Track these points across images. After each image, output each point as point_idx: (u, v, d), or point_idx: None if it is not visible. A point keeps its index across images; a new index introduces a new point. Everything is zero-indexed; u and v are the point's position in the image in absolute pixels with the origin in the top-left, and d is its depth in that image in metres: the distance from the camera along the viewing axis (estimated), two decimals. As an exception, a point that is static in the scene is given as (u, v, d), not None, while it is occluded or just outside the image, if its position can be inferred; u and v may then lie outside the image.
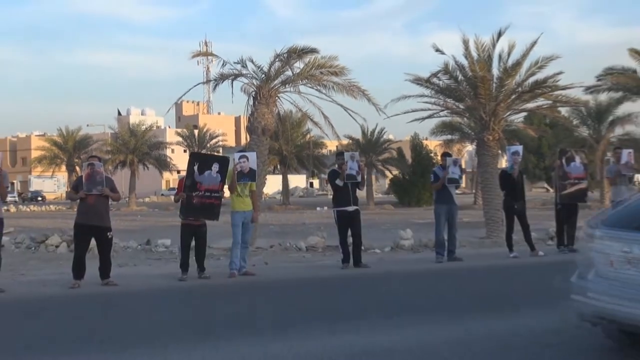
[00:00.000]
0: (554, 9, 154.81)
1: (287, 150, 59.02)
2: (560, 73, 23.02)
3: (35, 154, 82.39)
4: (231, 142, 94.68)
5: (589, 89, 28.83)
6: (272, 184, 62.99)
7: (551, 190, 18.12)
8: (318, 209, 50.43)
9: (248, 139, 21.64)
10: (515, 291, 11.05)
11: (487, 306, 9.50)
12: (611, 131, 44.39)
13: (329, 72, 20.60)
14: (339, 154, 14.60)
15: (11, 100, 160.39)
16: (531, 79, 22.87)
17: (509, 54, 22.66)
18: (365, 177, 15.17)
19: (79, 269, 11.46)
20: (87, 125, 76.95)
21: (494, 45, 22.64)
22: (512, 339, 7.11)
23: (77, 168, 61.13)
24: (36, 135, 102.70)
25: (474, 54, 22.67)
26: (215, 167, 12.39)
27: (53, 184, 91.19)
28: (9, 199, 55.78)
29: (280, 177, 64.85)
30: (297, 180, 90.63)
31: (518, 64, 22.69)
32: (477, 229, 22.47)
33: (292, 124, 53.62)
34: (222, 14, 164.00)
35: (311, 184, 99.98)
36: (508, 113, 24.18)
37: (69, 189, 12.90)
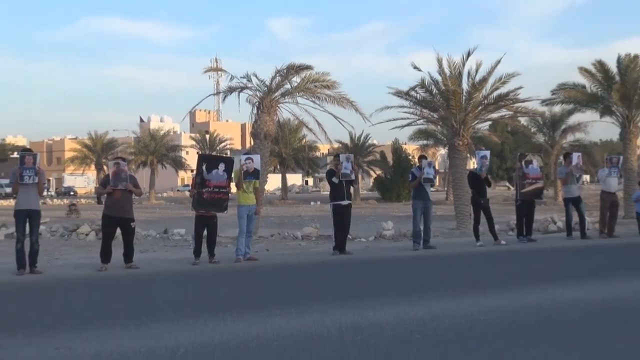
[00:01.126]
0: (515, 33, 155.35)
1: (285, 153, 59.04)
2: (520, 88, 23.19)
3: (68, 154, 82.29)
4: (237, 145, 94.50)
5: (545, 102, 28.91)
6: (273, 182, 63.01)
7: (512, 188, 18.16)
8: (312, 203, 50.42)
9: (252, 143, 21.68)
10: (481, 275, 11.10)
11: (456, 288, 9.53)
12: (563, 138, 44.59)
13: (322, 85, 20.67)
14: (336, 155, 14.70)
15: (48, 108, 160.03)
16: (495, 93, 22.99)
17: (476, 71, 22.75)
18: (360, 176, 15.21)
19: (106, 254, 11.48)
20: (113, 130, 77.10)
21: (463, 64, 22.71)
22: (478, 316, 7.13)
23: (105, 167, 61.01)
24: (69, 139, 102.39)
25: (447, 71, 22.74)
26: (222, 166, 12.42)
27: (83, 180, 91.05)
28: (45, 193, 55.72)
29: (279, 175, 64.92)
30: (294, 179, 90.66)
31: (484, 79, 22.76)
32: (448, 221, 22.52)
33: (290, 130, 53.67)
34: (230, 36, 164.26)
35: (306, 182, 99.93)
36: (475, 122, 24.29)
37: (97, 185, 12.86)
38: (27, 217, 10.99)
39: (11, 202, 12.12)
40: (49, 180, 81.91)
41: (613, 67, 27.50)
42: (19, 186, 10.98)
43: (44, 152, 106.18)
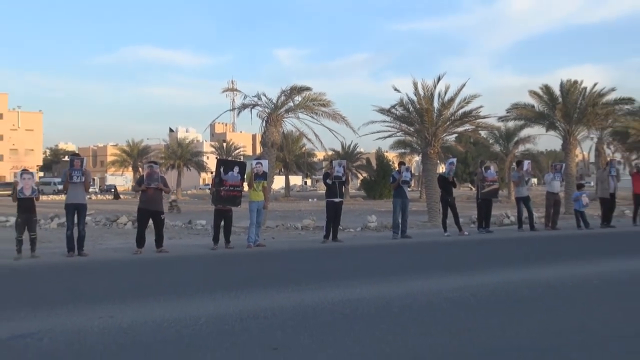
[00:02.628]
0: (477, 62, 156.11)
1: (288, 158, 59.13)
2: (480, 107, 23.22)
3: (110, 158, 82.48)
4: (249, 152, 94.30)
5: (501, 118, 28.95)
6: (277, 182, 62.84)
7: (474, 189, 18.27)
8: (310, 200, 50.37)
9: (261, 150, 21.68)
10: (448, 260, 11.11)
11: (427, 270, 9.55)
12: (516, 148, 44.67)
13: (319, 103, 20.74)
14: (330, 161, 14.72)
15: (94, 119, 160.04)
16: (461, 111, 23.00)
17: (445, 93, 22.75)
18: (349, 178, 15.24)
19: (140, 240, 11.49)
20: (147, 139, 77.08)
21: (435, 87, 22.72)
22: (445, 293, 7.15)
23: (140, 169, 61.02)
24: (111, 145, 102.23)
25: (421, 92, 22.75)
26: (236, 169, 12.46)
27: (122, 180, 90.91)
28: (90, 190, 55.68)
29: (283, 177, 64.89)
30: (295, 180, 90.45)
31: (452, 100, 22.77)
32: (421, 215, 22.52)
33: (292, 139, 53.79)
34: (244, 62, 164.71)
35: (305, 183, 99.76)
36: (444, 134, 24.28)
37: (134, 184, 12.80)
38: (75, 210, 11.02)
39: (62, 197, 12.13)
40: (94, 180, 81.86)
41: (557, 90, 27.60)
42: (69, 184, 11.04)
43: (90, 156, 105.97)
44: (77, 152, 75.51)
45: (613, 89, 27.07)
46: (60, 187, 48.24)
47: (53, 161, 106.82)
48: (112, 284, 8.47)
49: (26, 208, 10.72)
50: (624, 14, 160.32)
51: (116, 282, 8.59)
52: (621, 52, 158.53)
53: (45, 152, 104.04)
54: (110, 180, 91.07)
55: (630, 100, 27.98)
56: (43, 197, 40.82)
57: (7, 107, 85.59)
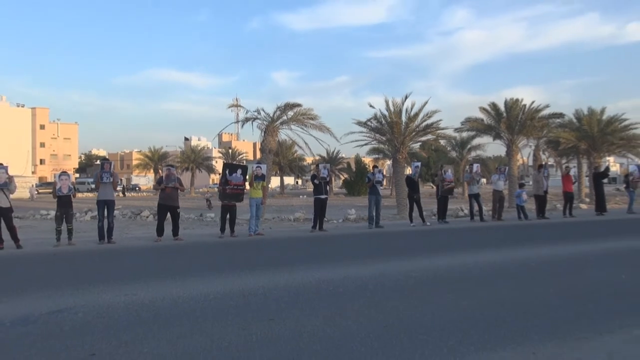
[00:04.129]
0: (438, 83, 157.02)
1: (283, 162, 59.05)
2: (440, 120, 23.44)
3: (135, 162, 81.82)
4: (250, 157, 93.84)
5: (457, 130, 29.17)
6: (274, 182, 62.93)
7: (434, 187, 18.47)
8: (301, 197, 50.27)
9: (261, 156, 21.64)
10: (413, 246, 11.15)
11: (397, 254, 9.57)
12: (469, 154, 44.89)
13: (308, 117, 20.75)
14: (317, 165, 14.71)
15: (121, 129, 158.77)
16: (424, 123, 23.11)
17: (411, 109, 22.86)
18: (332, 179, 15.22)
19: (160, 230, 11.39)
20: (166, 146, 76.20)
21: (403, 104, 22.83)
22: (411, 273, 7.16)
23: (160, 171, 60.60)
24: (136, 151, 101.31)
25: (391, 108, 22.85)
26: (239, 171, 12.41)
27: (145, 180, 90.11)
28: (118, 188, 55.33)
29: (278, 177, 64.85)
30: (289, 180, 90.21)
31: (416, 114, 22.88)
32: (392, 209, 22.57)
33: (286, 147, 53.63)
34: (247, 82, 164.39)
35: (297, 182, 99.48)
36: (411, 142, 24.38)
37: (154, 183, 12.68)
38: (105, 205, 10.91)
39: (95, 195, 12.02)
40: (121, 180, 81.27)
41: (502, 107, 27.77)
42: (99, 184, 10.95)
43: (118, 160, 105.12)
44: (106, 157, 74.69)
45: (547, 106, 27.36)
46: (93, 186, 47.66)
47: (87, 164, 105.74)
48: (136, 267, 8.39)
49: (64, 203, 10.62)
50: (555, 45, 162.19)
51: (139, 266, 8.51)
52: (553, 75, 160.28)
53: (80, 157, 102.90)
54: (135, 180, 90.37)
55: (560, 115, 28.30)
56: (79, 195, 40.35)
57: (48, 120, 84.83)
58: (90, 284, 6.49)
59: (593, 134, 30.50)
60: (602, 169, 21.12)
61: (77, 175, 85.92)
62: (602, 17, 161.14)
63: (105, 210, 10.92)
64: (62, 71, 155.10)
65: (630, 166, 21.56)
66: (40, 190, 53.41)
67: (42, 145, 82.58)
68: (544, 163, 24.91)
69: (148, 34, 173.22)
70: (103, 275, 7.39)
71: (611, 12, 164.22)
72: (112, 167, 11.25)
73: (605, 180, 19.87)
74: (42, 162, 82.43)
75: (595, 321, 4.82)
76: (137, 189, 79.02)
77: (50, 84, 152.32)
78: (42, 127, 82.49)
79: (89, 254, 9.78)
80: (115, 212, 15.45)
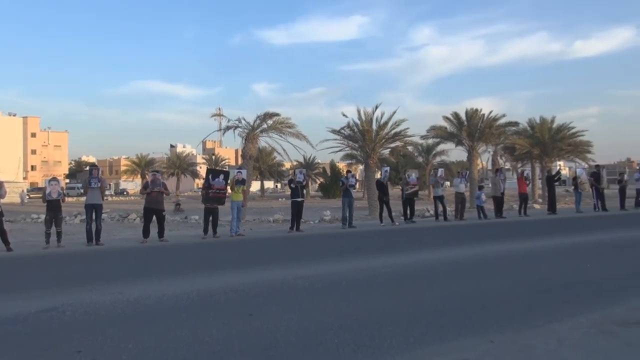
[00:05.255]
0: (405, 94, 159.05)
1: (263, 167, 58.68)
2: (407, 128, 23.72)
3: (123, 168, 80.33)
4: (232, 163, 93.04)
5: (423, 137, 29.52)
6: (254, 186, 62.33)
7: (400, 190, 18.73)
8: (279, 199, 50.08)
9: (242, 161, 21.52)
10: (383, 244, 11.20)
11: (368, 251, 9.61)
12: (434, 159, 45.47)
13: (286, 125, 20.78)
14: (294, 170, 14.68)
15: (110, 137, 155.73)
16: (393, 131, 23.34)
17: (381, 118, 23.07)
18: (309, 183, 15.19)
19: (146, 232, 11.21)
20: (153, 153, 75.20)
21: (373, 113, 23.02)
22: (381, 269, 7.18)
23: (146, 176, 59.66)
24: (124, 158, 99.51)
25: (363, 117, 23.00)
26: (221, 176, 12.31)
27: (133, 185, 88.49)
28: (106, 193, 54.35)
29: (259, 182, 64.52)
30: (268, 184, 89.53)
31: (386, 123, 23.09)
32: (364, 210, 22.66)
33: (265, 153, 53.32)
34: (229, 93, 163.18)
35: (276, 186, 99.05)
36: (381, 149, 24.56)
37: (141, 188, 12.66)
38: (93, 209, 10.68)
39: (83, 199, 11.80)
40: (110, 185, 79.80)
41: (463, 116, 28.22)
42: (88, 189, 10.74)
43: (107, 166, 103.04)
44: (95, 163, 73.16)
45: (504, 115, 27.94)
46: (81, 190, 46.75)
47: (77, 170, 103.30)
48: (122, 267, 8.22)
49: (53, 207, 10.36)
50: (511, 60, 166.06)
51: (126, 266, 8.34)
52: (510, 87, 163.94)
53: (70, 163, 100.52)
54: (123, 185, 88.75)
55: (516, 124, 28.97)
56: (68, 199, 39.34)
57: (39, 128, 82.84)
58: (77, 284, 6.33)
59: (544, 140, 31.22)
60: (554, 172, 21.59)
61: (67, 180, 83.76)
62: (550, 36, 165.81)
63: (93, 213, 10.68)
64: (54, 82, 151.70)
65: (577, 169, 22.13)
66: (31, 195, 51.98)
67: (34, 152, 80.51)
68: (500, 167, 25.37)
69: (137, 47, 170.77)
70: (90, 275, 7.23)
71: (559, 31, 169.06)
72: (99, 172, 11.03)
73: (557, 183, 20.29)
74: (33, 168, 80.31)
75: (546, 310, 4.91)
76: (125, 193, 77.62)
77: (43, 94, 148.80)
78: (34, 135, 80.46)
79: (78, 256, 9.54)
80: (104, 215, 15.14)
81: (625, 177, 20.49)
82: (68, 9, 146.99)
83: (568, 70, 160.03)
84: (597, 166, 20.09)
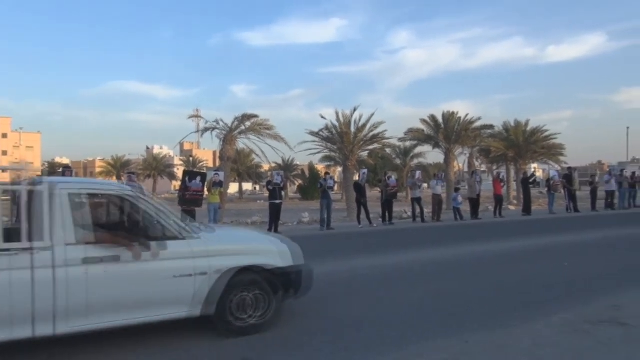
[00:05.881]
0: (383, 97, 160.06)
1: (241, 169, 58.29)
2: (385, 131, 23.79)
3: (98, 170, 78.86)
4: (211, 164, 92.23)
5: (400, 139, 29.56)
6: (233, 188, 61.92)
7: (379, 192, 18.76)
8: (258, 201, 49.72)
9: (220, 163, 21.33)
10: (362, 246, 11.20)
11: (346, 253, 9.60)
12: (411, 161, 45.79)
13: (264, 127, 20.64)
14: (272, 172, 14.62)
15: (84, 138, 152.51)
16: (371, 134, 23.40)
17: (359, 120, 23.08)
18: (287, 184, 15.11)
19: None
20: (129, 154, 73.82)
21: (351, 115, 23.02)
22: (361, 270, 7.19)
23: (122, 178, 58.65)
24: (99, 159, 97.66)
25: (341, 119, 23.00)
26: (199, 178, 12.18)
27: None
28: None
29: (237, 184, 64.12)
30: (247, 186, 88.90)
31: (364, 125, 23.14)
32: (342, 212, 22.67)
33: (244, 155, 52.97)
34: (207, 94, 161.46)
35: (255, 188, 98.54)
36: (359, 151, 24.58)
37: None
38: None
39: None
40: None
41: (440, 119, 28.47)
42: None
43: (81, 168, 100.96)
44: (69, 164, 71.66)
45: (479, 118, 28.25)
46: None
47: (50, 172, 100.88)
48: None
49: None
50: (486, 64, 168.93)
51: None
52: (485, 90, 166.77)
53: (43, 165, 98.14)
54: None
55: (491, 127, 29.37)
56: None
57: (10, 129, 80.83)
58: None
59: (519, 143, 31.80)
60: (529, 174, 21.98)
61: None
62: (525, 41, 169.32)
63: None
64: (28, 83, 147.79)
65: (551, 172, 22.60)
66: (2, 198, 50.50)
67: (5, 153, 78.44)
68: (476, 169, 25.73)
69: (114, 48, 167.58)
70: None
71: (533, 36, 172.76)
72: (73, 174, 10.78)
73: (532, 185, 20.67)
74: (3, 170, 78.21)
75: (521, 310, 4.98)
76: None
77: (15, 95, 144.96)
78: (5, 135, 78.54)
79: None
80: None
81: (597, 179, 21.03)
82: (41, 9, 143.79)
83: (542, 74, 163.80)
84: (569, 168, 20.53)
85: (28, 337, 3.42)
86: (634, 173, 21.21)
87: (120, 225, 4.12)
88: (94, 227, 3.77)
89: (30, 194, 3.58)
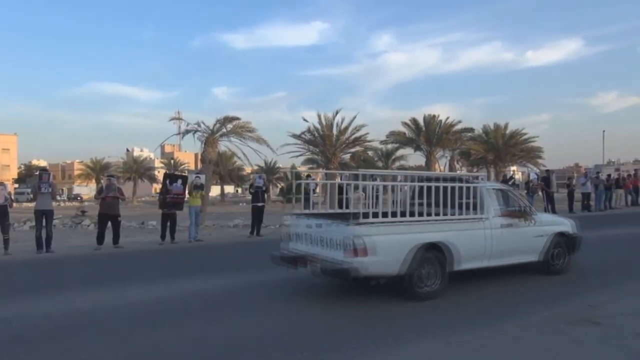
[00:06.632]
0: (366, 100, 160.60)
1: (223, 172, 57.83)
2: (367, 133, 24.00)
3: (76, 172, 77.50)
4: (192, 167, 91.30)
5: (382, 142, 29.89)
6: (214, 190, 61.43)
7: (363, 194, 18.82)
8: (240, 204, 49.40)
9: (201, 166, 21.18)
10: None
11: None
12: (393, 164, 46.08)
13: (246, 130, 20.56)
14: (254, 175, 14.56)
15: (63, 140, 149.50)
16: (353, 136, 23.59)
17: (341, 123, 23.26)
18: (269, 187, 15.08)
19: (100, 239, 10.81)
20: (108, 157, 72.61)
21: (334, 118, 23.19)
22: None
23: (102, 181, 57.78)
24: (77, 162, 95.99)
25: (324, 122, 23.15)
26: (179, 181, 12.06)
27: (87, 189, 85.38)
28: (58, 198, 52.32)
29: (219, 186, 63.71)
30: (229, 188, 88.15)
31: (346, 128, 23.31)
32: (325, 214, 22.73)
33: (225, 157, 52.60)
34: (188, 96, 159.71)
35: (237, 191, 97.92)
36: (341, 153, 24.74)
37: (96, 193, 12.05)
38: (43, 215, 10.21)
39: (33, 204, 11.21)
40: (62, 190, 76.84)
41: (421, 122, 28.80)
42: (37, 194, 10.26)
43: (59, 170, 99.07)
44: (47, 167, 70.29)
45: (460, 121, 28.71)
46: (32, 196, 44.37)
47: (27, 175, 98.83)
48: (74, 275, 7.89)
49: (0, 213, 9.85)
50: (467, 68, 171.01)
51: (78, 274, 8.01)
52: (466, 94, 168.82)
53: (20, 167, 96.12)
54: (77, 190, 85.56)
55: (471, 130, 29.86)
56: (16, 205, 37.59)
57: (-16, 130, 78.92)
58: (26, 294, 6.05)
59: (498, 146, 32.29)
60: (509, 176, 22.32)
61: (17, 185, 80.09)
62: (504, 45, 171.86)
63: (44, 219, 10.23)
64: (4, 83, 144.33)
65: (530, 174, 22.99)
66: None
67: (-20, 156, 76.58)
68: (458, 172, 25.99)
69: (93, 48, 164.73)
70: (40, 284, 6.91)
71: (512, 41, 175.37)
72: (50, 177, 10.57)
73: (511, 184, 20.99)
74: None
75: (500, 311, 5.07)
76: (78, 198, 74.88)
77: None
78: (-21, 137, 76.57)
79: (27, 264, 9.09)
80: (56, 221, 14.50)
81: (574, 181, 21.48)
82: (16, 6, 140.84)
83: (521, 78, 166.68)
84: (547, 171, 20.93)
85: (484, 267, 6.18)
86: (609, 175, 21.72)
87: (515, 205, 6.65)
88: (502, 207, 6.43)
89: (475, 189, 6.09)
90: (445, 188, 5.81)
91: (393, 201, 5.95)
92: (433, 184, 5.99)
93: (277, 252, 6.31)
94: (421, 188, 6.40)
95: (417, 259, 5.38)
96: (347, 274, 5.12)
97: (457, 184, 6.04)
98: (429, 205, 6.05)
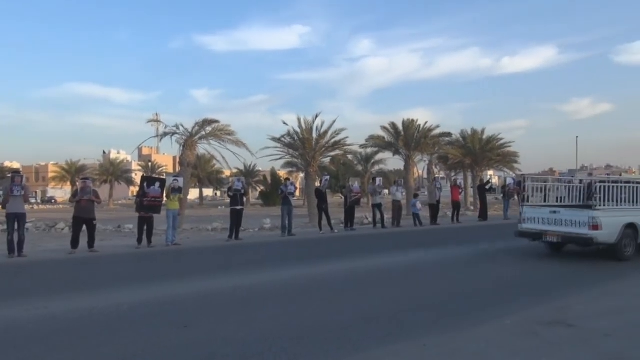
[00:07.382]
0: (345, 104, 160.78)
1: (202, 175, 57.27)
2: (347, 137, 23.81)
3: (51, 175, 75.54)
4: (170, 170, 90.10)
5: (362, 146, 29.84)
6: (193, 194, 60.88)
7: (343, 198, 18.69)
8: (219, 207, 49.10)
9: (180, 169, 20.93)
10: (323, 251, 11.25)
11: (307, 259, 9.61)
12: (372, 167, 46.36)
13: (226, 133, 20.41)
14: (233, 178, 14.44)
15: (37, 142, 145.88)
16: (332, 140, 23.49)
17: (321, 127, 23.13)
18: (249, 190, 14.95)
19: (75, 243, 10.60)
20: (84, 159, 71.04)
21: (313, 122, 23.06)
22: (324, 276, 7.20)
23: (77, 183, 56.51)
24: (52, 164, 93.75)
25: (303, 126, 23.03)
26: (157, 184, 11.90)
27: (62, 192, 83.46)
28: (32, 201, 50.98)
29: (198, 189, 63.07)
30: (208, 191, 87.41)
31: (326, 132, 23.23)
32: (304, 218, 22.67)
33: (204, 160, 52.11)
34: (167, 99, 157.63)
35: (215, 194, 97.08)
36: (321, 157, 24.66)
37: (70, 196, 11.74)
38: (15, 218, 9.96)
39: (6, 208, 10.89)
40: (36, 193, 75.06)
41: (400, 126, 28.95)
42: (9, 197, 9.99)
43: (33, 173, 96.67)
44: (19, 169, 68.57)
45: (438, 126, 28.90)
46: (3, 199, 43.00)
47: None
48: (47, 280, 7.72)
49: (-30, 217, 9.57)
50: (445, 73, 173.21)
51: (51, 279, 7.84)
52: (445, 99, 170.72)
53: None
54: (51, 192, 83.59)
55: (449, 134, 30.13)
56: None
57: (-46, 131, 76.52)
58: (-4, 299, 5.88)
59: (475, 151, 32.75)
60: (485, 181, 22.67)
61: (-13, 188, 78.04)
62: (482, 52, 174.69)
63: (16, 223, 9.98)
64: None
65: (507, 179, 23.39)
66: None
67: (-51, 157, 74.23)
68: (436, 176, 26.30)
69: (68, 48, 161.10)
70: (11, 289, 6.74)
71: (489, 48, 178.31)
72: (23, 180, 10.33)
73: (488, 191, 21.34)
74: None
75: (474, 314, 5.14)
76: (52, 201, 73.21)
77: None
78: (-52, 138, 74.25)
79: (-3, 269, 8.86)
80: (29, 224, 14.13)
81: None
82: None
83: (496, 84, 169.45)
84: (522, 176, 21.30)
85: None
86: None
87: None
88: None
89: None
90: (633, 188, 8.90)
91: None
92: (630, 185, 8.98)
93: (516, 230, 9.46)
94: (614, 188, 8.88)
95: (623, 233, 8.44)
96: (590, 241, 8.27)
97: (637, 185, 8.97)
98: (620, 200, 8.76)
